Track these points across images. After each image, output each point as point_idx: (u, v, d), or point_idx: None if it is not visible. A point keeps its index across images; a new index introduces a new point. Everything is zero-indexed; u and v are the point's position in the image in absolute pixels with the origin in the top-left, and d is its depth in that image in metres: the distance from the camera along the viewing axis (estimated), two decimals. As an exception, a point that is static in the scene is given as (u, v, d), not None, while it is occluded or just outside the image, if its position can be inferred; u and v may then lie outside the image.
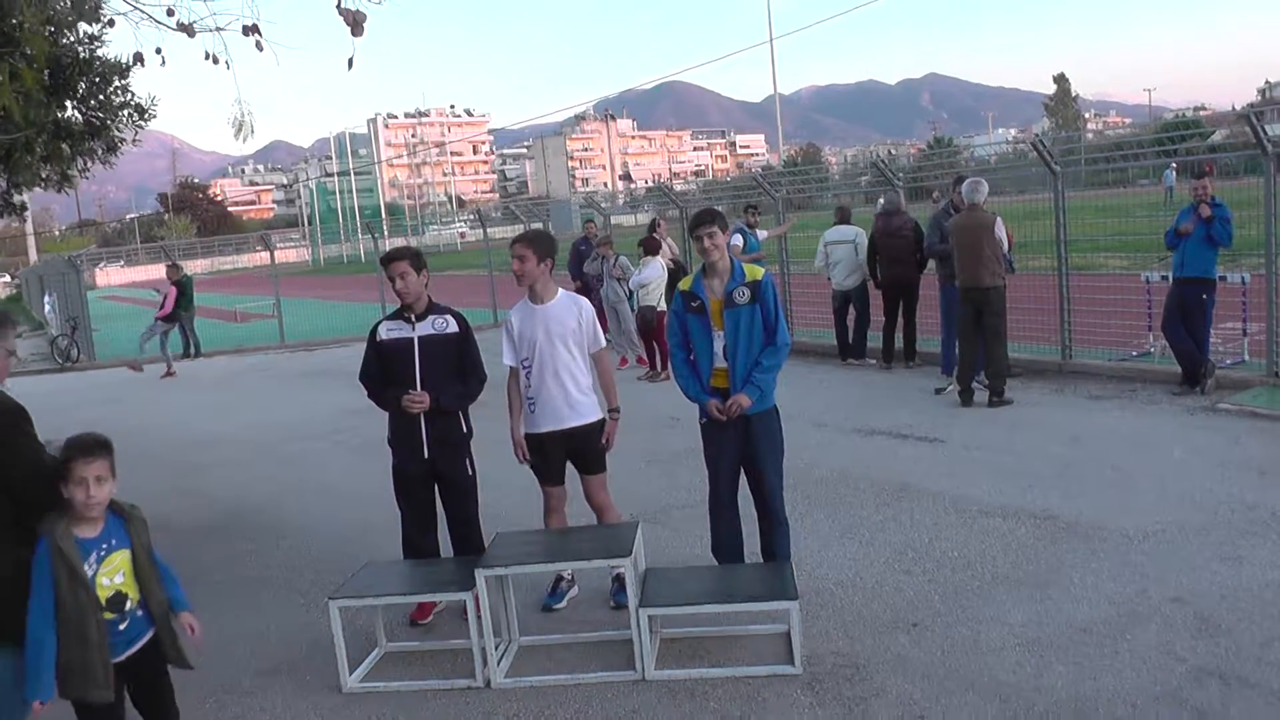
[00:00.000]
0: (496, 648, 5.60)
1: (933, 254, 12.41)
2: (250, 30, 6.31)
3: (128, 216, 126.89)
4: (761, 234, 15.64)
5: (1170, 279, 10.89)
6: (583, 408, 6.24)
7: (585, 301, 6.40)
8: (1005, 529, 7.05)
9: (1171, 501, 7.32)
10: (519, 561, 5.63)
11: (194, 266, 25.79)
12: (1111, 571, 6.15)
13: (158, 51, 7.33)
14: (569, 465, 6.38)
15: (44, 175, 11.95)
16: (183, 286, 21.56)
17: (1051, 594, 5.90)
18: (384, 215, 76.04)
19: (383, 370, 6.21)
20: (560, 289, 6.37)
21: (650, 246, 14.55)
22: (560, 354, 6.17)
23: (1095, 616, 5.55)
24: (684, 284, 6.25)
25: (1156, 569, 6.13)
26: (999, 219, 10.86)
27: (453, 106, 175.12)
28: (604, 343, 6.48)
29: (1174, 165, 20.68)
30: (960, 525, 7.21)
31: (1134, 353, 12.38)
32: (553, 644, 5.85)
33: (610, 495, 6.46)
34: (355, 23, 5.71)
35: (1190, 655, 5.02)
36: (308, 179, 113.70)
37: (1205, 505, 7.17)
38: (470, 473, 6.34)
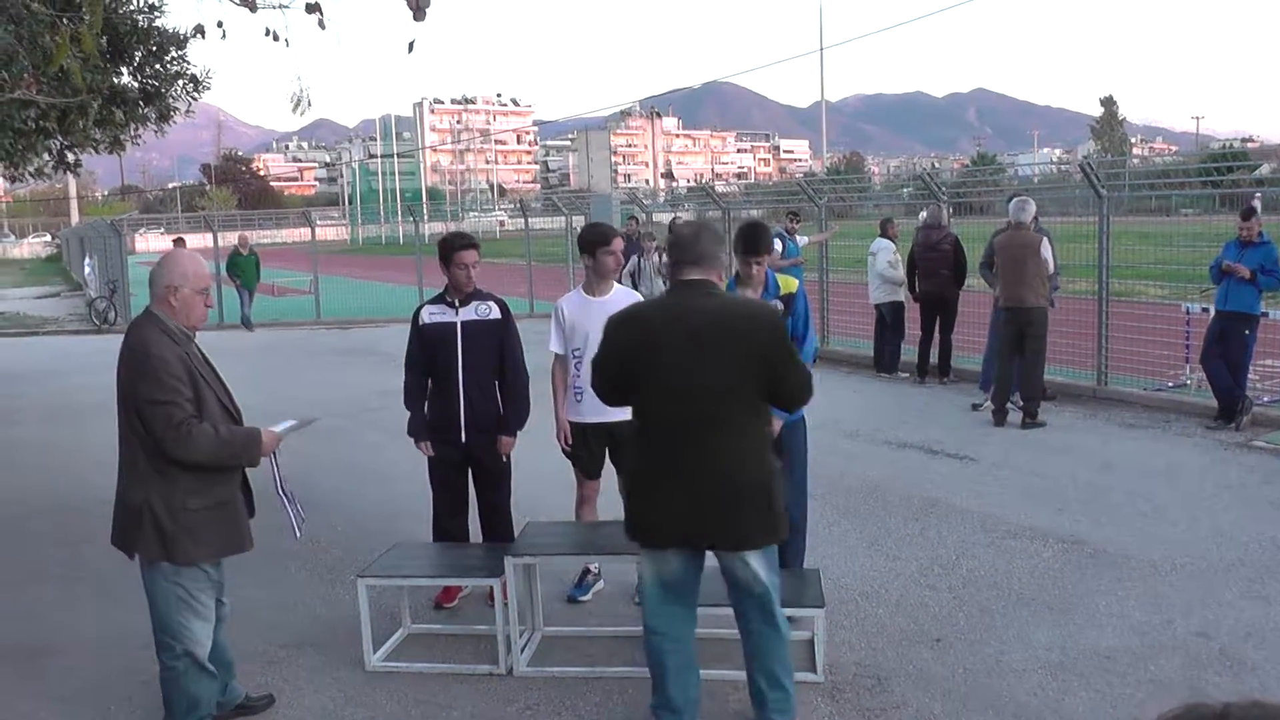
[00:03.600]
0: (520, 636, 5.63)
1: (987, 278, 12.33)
2: (313, 9, 6.35)
3: (170, 185, 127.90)
4: (802, 240, 15.59)
5: (1212, 311, 10.80)
6: None
7: (640, 299, 6.41)
8: (1032, 551, 7.04)
9: (1201, 535, 7.28)
10: (548, 551, 5.68)
11: (233, 239, 25.96)
12: (1137, 601, 6.13)
13: (219, 25, 7.36)
14: (608, 460, 6.40)
15: (96, 139, 12.10)
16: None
17: (1076, 619, 5.89)
18: (425, 199, 76.23)
19: (425, 354, 6.26)
20: (616, 284, 6.40)
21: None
22: None
23: (1119, 645, 5.53)
24: None
25: (1183, 601, 6.11)
26: (1045, 239, 10.78)
27: (499, 95, 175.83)
28: None
29: (1259, 195, 20.34)
30: (987, 544, 7.20)
31: (1169, 383, 12.29)
32: (576, 636, 5.90)
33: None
34: (418, 6, 5.73)
35: (1214, 691, 4.99)
36: (351, 159, 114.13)
37: (1235, 541, 7.12)
38: (505, 460, 6.39)
